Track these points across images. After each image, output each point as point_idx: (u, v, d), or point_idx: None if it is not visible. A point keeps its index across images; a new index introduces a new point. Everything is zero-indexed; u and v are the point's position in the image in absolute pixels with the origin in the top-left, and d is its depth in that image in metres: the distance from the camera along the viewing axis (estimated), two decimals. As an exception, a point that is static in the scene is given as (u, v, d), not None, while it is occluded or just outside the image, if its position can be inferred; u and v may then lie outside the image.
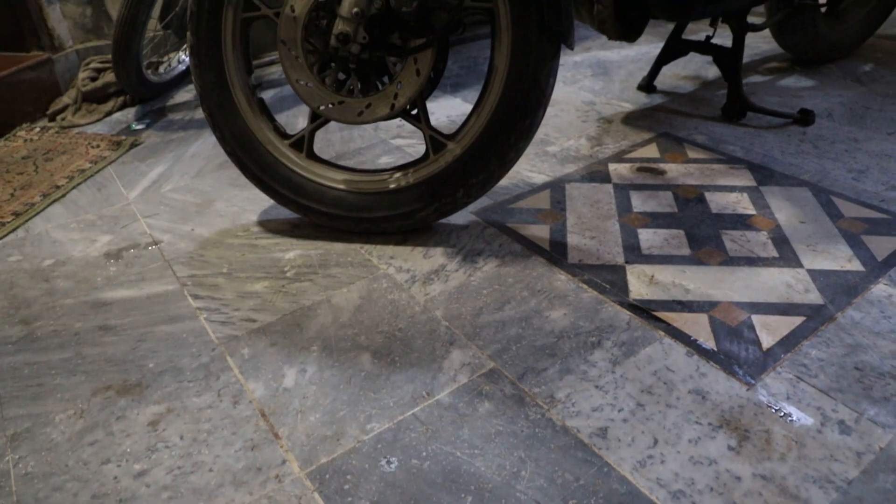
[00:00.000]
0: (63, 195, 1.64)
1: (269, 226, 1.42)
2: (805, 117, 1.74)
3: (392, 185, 1.29)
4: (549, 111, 1.21)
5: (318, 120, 1.31)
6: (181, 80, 2.32)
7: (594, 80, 2.11)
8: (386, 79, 1.25)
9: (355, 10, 1.11)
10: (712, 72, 2.12)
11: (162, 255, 1.35)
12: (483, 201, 1.42)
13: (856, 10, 2.12)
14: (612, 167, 1.55)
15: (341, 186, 1.31)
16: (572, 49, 1.21)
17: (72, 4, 2.26)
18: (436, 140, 1.26)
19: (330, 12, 1.18)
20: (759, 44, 2.33)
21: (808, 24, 1.98)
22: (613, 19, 1.50)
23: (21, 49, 2.21)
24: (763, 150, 1.61)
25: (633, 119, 1.82)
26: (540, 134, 1.70)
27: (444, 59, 1.25)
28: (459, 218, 1.37)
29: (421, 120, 1.26)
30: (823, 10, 1.99)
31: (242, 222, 1.44)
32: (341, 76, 1.25)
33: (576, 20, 1.61)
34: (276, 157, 1.33)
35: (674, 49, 1.91)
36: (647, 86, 1.99)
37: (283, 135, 1.35)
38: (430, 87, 1.26)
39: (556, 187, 1.47)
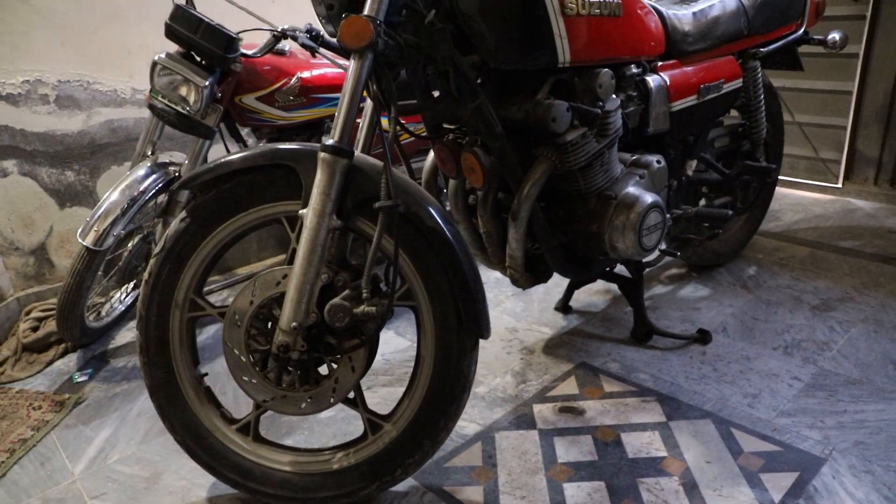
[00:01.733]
0: (3, 474, 1.65)
1: (219, 503, 1.47)
2: (703, 336, 1.95)
3: (335, 466, 1.38)
4: (478, 342, 1.36)
5: (262, 407, 1.41)
6: (122, 318, 2.40)
7: (515, 301, 2.31)
8: (325, 366, 1.38)
9: (294, 324, 1.25)
10: (620, 284, 2.35)
11: (110, 548, 1.38)
12: (421, 460, 1.52)
13: (734, 220, 2.43)
14: (536, 409, 1.69)
15: (288, 468, 1.40)
16: (488, 339, 1.38)
17: (15, 256, 2.36)
18: (373, 422, 1.37)
19: (270, 313, 1.33)
20: (658, 248, 2.60)
21: (697, 244, 2.25)
22: (525, 275, 1.70)
23: (-38, 305, 2.27)
24: (670, 377, 1.79)
25: (552, 347, 1.99)
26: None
27: (376, 348, 1.39)
28: (401, 483, 1.46)
29: (358, 404, 1.38)
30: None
31: (192, 500, 1.49)
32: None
33: (491, 270, 1.81)
34: (224, 443, 1.41)
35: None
36: (564, 307, 2.20)
37: (230, 420, 1.44)
38: (364, 370, 1.39)
39: (487, 438, 1.60)
